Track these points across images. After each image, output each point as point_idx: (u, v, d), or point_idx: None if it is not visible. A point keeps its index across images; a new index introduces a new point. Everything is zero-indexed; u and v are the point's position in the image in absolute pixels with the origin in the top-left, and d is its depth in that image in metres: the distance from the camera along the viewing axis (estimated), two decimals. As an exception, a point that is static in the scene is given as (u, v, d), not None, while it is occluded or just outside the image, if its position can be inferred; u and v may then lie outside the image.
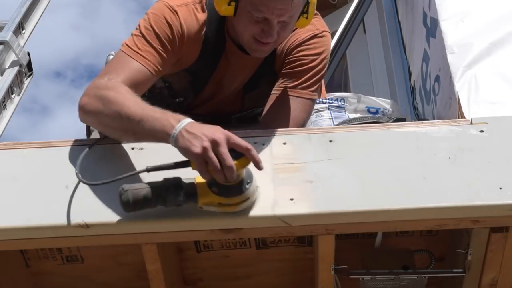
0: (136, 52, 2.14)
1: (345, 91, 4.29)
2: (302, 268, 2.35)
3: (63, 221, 1.93)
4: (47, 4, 3.44)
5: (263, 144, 2.07)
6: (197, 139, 1.78)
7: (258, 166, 1.81)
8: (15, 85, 2.89)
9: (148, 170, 1.87)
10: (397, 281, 2.18)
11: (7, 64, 3.02)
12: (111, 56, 2.70)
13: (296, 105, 2.32)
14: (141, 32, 2.18)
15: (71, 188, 1.97)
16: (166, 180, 1.86)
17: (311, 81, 2.33)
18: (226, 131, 1.81)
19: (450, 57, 2.53)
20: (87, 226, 1.92)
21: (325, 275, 2.15)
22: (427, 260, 2.25)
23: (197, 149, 1.77)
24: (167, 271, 2.19)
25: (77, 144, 2.11)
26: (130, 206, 1.84)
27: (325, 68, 2.38)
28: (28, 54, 3.12)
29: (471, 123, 2.10)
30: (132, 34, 2.20)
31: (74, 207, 1.95)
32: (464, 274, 2.16)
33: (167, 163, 1.86)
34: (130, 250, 2.24)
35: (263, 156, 2.03)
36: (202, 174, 1.80)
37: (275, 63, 2.37)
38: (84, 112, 2.03)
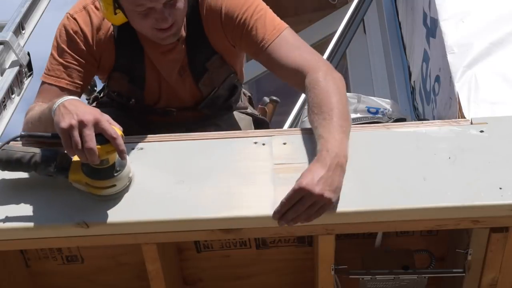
0: (49, 76, 2.25)
1: (345, 91, 4.29)
2: (302, 268, 2.35)
3: (63, 221, 1.93)
4: (47, 4, 3.43)
5: (263, 144, 2.07)
6: (68, 115, 1.86)
7: (122, 155, 1.87)
8: (15, 85, 2.89)
9: (21, 136, 1.98)
10: (397, 281, 2.18)
11: (7, 64, 3.02)
12: None
13: (284, 40, 2.20)
14: (51, 51, 2.29)
15: (71, 188, 1.97)
16: (43, 150, 1.96)
17: (267, 26, 2.22)
18: (99, 115, 1.88)
19: (450, 57, 2.53)
20: (87, 226, 1.92)
21: (325, 275, 2.15)
22: (427, 260, 2.25)
23: (64, 124, 1.84)
24: (167, 271, 2.19)
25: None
26: (1, 165, 1.95)
27: (261, 3, 2.27)
28: (28, 54, 3.12)
29: (471, 123, 2.10)
30: (49, 57, 2.30)
31: (74, 207, 1.95)
32: (464, 274, 2.16)
33: (45, 133, 1.95)
34: (130, 250, 2.24)
35: (263, 156, 2.03)
36: (66, 148, 1.87)
37: (209, 37, 2.32)
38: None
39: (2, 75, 2.96)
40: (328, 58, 3.54)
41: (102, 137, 1.84)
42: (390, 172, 1.98)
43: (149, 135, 2.13)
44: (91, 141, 1.83)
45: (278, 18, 2.27)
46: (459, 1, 2.72)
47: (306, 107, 2.96)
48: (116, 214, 1.93)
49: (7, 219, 1.94)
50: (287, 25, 2.25)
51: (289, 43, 2.20)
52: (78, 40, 2.25)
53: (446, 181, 1.95)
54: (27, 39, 3.20)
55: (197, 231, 1.97)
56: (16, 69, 3.01)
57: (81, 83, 2.26)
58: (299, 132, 2.13)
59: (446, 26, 2.65)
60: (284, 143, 2.07)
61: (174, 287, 2.30)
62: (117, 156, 1.89)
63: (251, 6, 2.24)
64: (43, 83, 2.26)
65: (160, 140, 2.11)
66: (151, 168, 2.01)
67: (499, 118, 2.12)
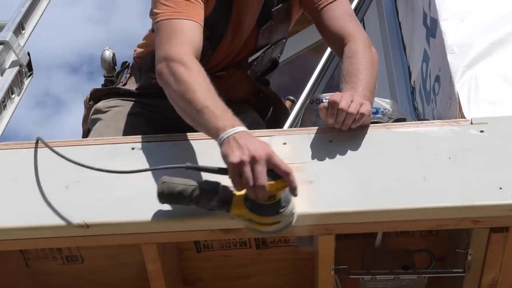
0: (178, 12, 2.14)
1: (345, 91, 4.29)
2: (302, 268, 2.35)
3: (63, 221, 1.93)
4: (47, 4, 3.43)
5: (263, 144, 2.06)
6: (239, 149, 1.79)
7: (294, 192, 1.81)
8: (15, 85, 2.89)
9: (187, 167, 1.89)
10: (397, 281, 2.18)
11: (7, 64, 3.02)
12: (107, 52, 2.73)
13: (342, 5, 2.41)
14: None
15: (71, 188, 1.97)
16: (205, 182, 1.88)
17: None
18: (271, 151, 1.80)
19: (450, 57, 2.53)
20: (87, 226, 1.92)
21: (325, 275, 2.15)
22: (427, 260, 2.25)
23: (235, 158, 1.78)
24: (167, 271, 2.19)
25: (77, 144, 2.11)
26: (163, 198, 1.86)
27: None
28: (28, 54, 3.12)
29: (471, 123, 2.10)
30: (158, 3, 2.18)
31: (74, 207, 1.95)
32: (464, 274, 2.16)
33: (210, 166, 1.88)
34: (130, 250, 2.24)
35: (263, 156, 2.03)
36: (234, 184, 1.81)
37: None
38: (160, 79, 2.05)
39: (2, 75, 2.96)
40: (328, 58, 3.55)
41: (273, 172, 1.78)
42: (390, 172, 1.98)
43: (149, 135, 2.13)
44: (263, 178, 1.76)
45: None
46: (459, 1, 2.72)
47: (305, 107, 2.98)
48: (116, 214, 1.93)
49: (7, 219, 1.94)
50: None
51: (343, 9, 2.40)
52: None
53: (446, 181, 1.96)
54: (27, 39, 3.20)
55: (197, 231, 1.97)
56: (16, 69, 3.01)
57: (203, 19, 2.19)
58: (299, 132, 2.13)
59: (446, 26, 2.64)
60: (284, 143, 2.07)
61: (174, 287, 2.30)
62: (283, 192, 1.82)
63: None
64: (172, 21, 2.12)
65: (160, 140, 2.11)
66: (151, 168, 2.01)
67: (499, 118, 2.12)
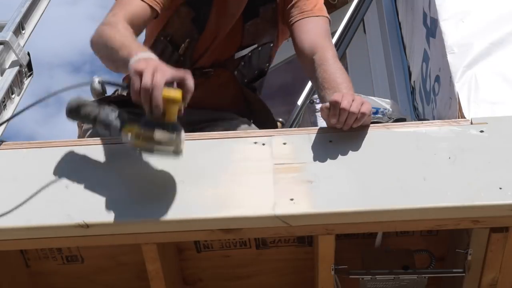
0: None
1: (345, 91, 4.29)
2: (302, 268, 2.35)
3: (63, 221, 1.93)
4: (47, 4, 3.43)
5: (263, 144, 2.07)
6: (145, 62, 1.85)
7: (186, 96, 1.84)
8: (15, 85, 2.89)
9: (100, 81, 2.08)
10: (397, 281, 2.18)
11: (7, 64, 3.02)
12: (96, 80, 2.87)
13: (319, 21, 2.50)
14: None
15: (71, 188, 1.97)
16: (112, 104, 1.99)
17: (319, 5, 2.53)
18: (175, 71, 1.86)
19: (450, 57, 2.53)
20: (87, 226, 1.92)
21: (325, 275, 2.15)
22: (427, 260, 2.25)
23: (139, 66, 1.84)
24: (167, 271, 2.19)
25: (77, 144, 2.11)
26: (71, 112, 1.95)
27: None
28: (28, 54, 3.12)
29: (471, 123, 2.10)
30: None
31: (74, 207, 1.95)
32: (464, 274, 2.16)
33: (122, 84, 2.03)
34: (130, 250, 2.24)
35: (263, 156, 2.03)
36: (132, 92, 1.84)
37: None
38: (91, 45, 2.17)
39: (2, 75, 2.96)
40: (328, 58, 3.53)
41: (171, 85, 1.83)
42: (390, 172, 1.98)
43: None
44: (160, 80, 1.81)
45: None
46: (459, 1, 2.72)
47: (305, 107, 2.98)
48: (116, 214, 1.93)
49: (7, 219, 1.94)
50: (329, 18, 2.54)
51: (316, 24, 2.49)
52: None
53: (446, 181, 1.96)
54: (27, 39, 3.19)
55: (197, 231, 1.97)
56: (16, 69, 3.01)
57: (161, 4, 2.30)
58: (299, 132, 2.13)
59: (446, 26, 2.64)
60: (284, 143, 2.07)
61: (174, 287, 2.30)
62: (176, 119, 1.86)
63: None
64: None
65: (160, 140, 2.11)
66: (151, 168, 2.01)
67: (499, 118, 2.12)
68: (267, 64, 2.70)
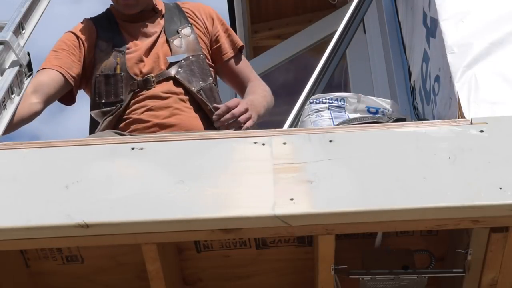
0: (44, 63, 2.88)
1: (345, 91, 4.29)
2: (302, 268, 2.35)
3: (63, 221, 1.93)
4: (47, 4, 3.43)
5: (263, 144, 2.07)
6: None
7: None
8: (15, 85, 2.88)
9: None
10: (397, 281, 2.18)
11: (7, 64, 3.01)
12: None
13: (242, 58, 3.02)
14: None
15: (71, 188, 1.97)
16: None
17: (235, 37, 3.02)
18: None
19: (450, 57, 2.53)
20: (87, 226, 1.92)
21: (325, 275, 2.15)
22: (427, 260, 2.25)
23: None
24: (167, 271, 2.19)
25: (78, 144, 2.11)
26: None
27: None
28: (28, 54, 3.11)
29: (471, 123, 2.10)
30: None
31: (74, 207, 1.95)
32: (464, 274, 2.16)
33: None
34: (130, 250, 2.24)
35: (263, 156, 2.03)
36: None
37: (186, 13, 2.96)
38: None
39: (2, 75, 2.95)
40: (328, 58, 3.54)
41: None
42: (390, 172, 1.98)
43: (149, 135, 2.13)
44: None
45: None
46: (459, 1, 2.72)
47: (306, 106, 2.98)
48: (116, 214, 1.93)
49: (7, 219, 1.94)
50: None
51: (245, 62, 3.04)
52: (76, 33, 2.97)
53: (446, 181, 1.95)
54: (27, 39, 3.19)
55: (197, 231, 1.97)
56: (16, 69, 3.00)
57: (69, 64, 2.87)
58: (299, 132, 2.13)
59: (446, 26, 2.64)
60: (284, 143, 2.07)
61: (174, 287, 2.30)
62: None
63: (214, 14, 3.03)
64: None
65: (160, 140, 2.11)
66: (151, 168, 2.01)
67: (499, 118, 2.12)
68: (211, 79, 2.92)
